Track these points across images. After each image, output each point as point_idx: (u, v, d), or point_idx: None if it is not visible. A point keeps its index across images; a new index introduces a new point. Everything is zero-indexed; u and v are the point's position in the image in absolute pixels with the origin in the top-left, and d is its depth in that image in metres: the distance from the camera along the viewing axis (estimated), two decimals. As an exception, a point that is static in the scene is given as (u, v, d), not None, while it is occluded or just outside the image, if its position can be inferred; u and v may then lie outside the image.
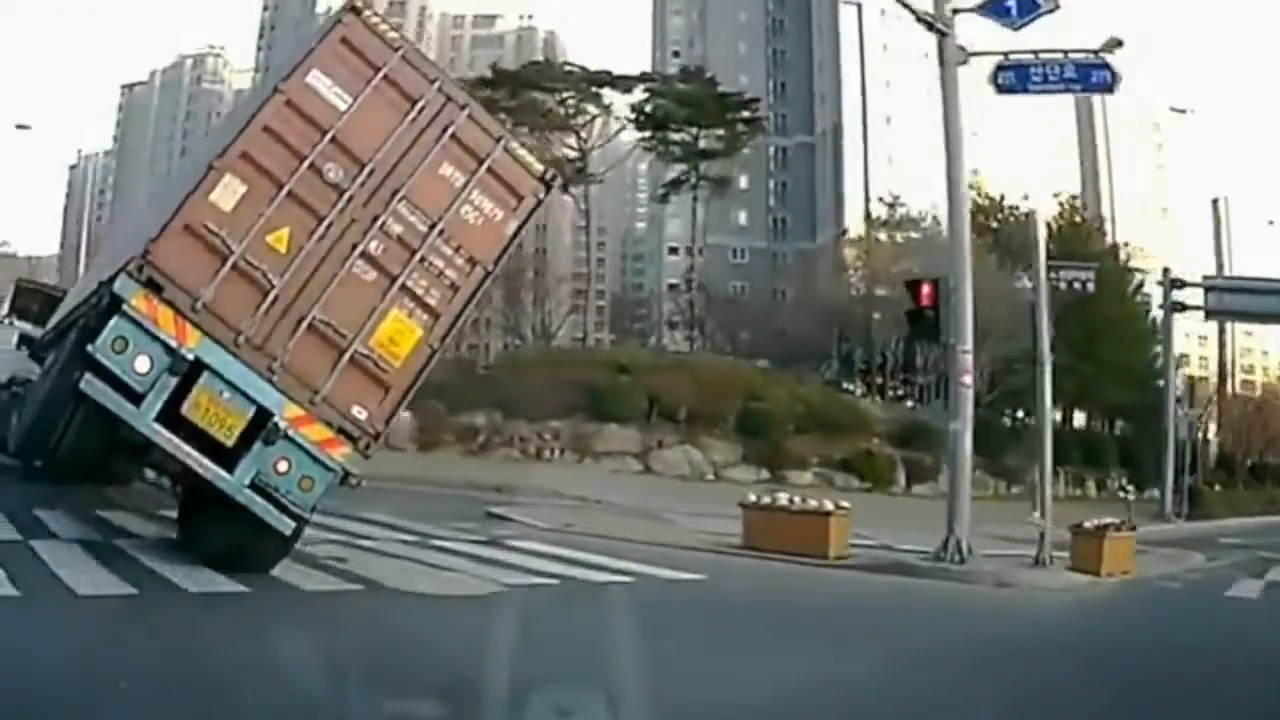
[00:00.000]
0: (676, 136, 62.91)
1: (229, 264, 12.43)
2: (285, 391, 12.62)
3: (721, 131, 62.59)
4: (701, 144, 62.97)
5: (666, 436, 44.20)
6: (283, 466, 12.61)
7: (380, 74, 13.24)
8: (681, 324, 77.27)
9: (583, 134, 62.17)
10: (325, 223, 12.84)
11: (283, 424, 12.53)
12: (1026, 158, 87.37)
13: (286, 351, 12.66)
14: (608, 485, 35.38)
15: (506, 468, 39.12)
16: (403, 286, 13.11)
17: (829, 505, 22.58)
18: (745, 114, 64.39)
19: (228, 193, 12.54)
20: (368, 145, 13.09)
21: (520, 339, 62.68)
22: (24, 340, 24.60)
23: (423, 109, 13.39)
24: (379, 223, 13.04)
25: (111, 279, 12.61)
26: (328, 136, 12.89)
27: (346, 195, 12.93)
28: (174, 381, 12.25)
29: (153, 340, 12.14)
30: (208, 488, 12.72)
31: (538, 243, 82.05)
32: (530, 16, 78.05)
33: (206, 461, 12.38)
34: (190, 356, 12.27)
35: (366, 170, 13.03)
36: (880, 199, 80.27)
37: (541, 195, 14.05)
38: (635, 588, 16.36)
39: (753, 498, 23.64)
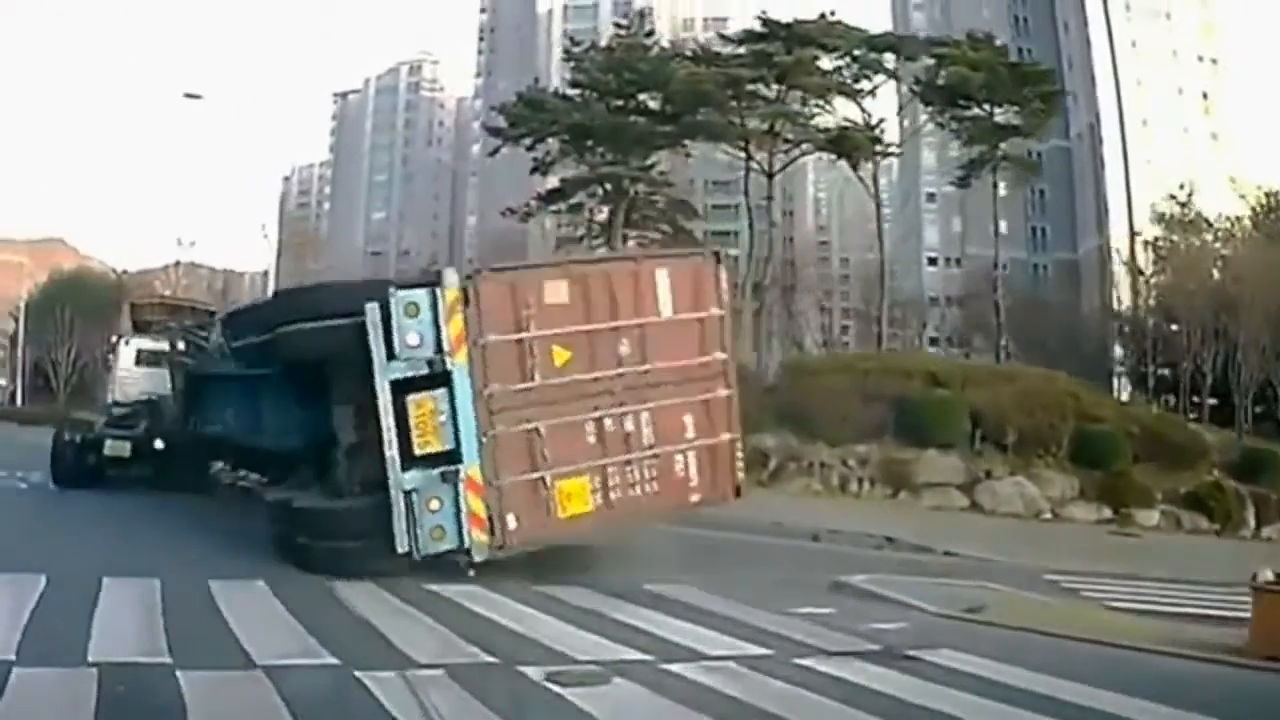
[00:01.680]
0: (969, 112, 52.66)
1: (518, 337, 13.75)
2: (480, 456, 13.35)
3: (1017, 107, 52.10)
4: (998, 119, 52.53)
5: (995, 466, 34.36)
6: (434, 505, 13.18)
7: (701, 314, 15.15)
8: (949, 338, 68.16)
9: (862, 103, 52.94)
10: (593, 375, 14.23)
11: (461, 476, 13.22)
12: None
13: (504, 432, 13.58)
14: (940, 528, 27.13)
15: (809, 503, 30.63)
16: (603, 467, 14.23)
17: (1397, 589, 13.14)
18: (1043, 87, 53.62)
19: (556, 293, 14.11)
20: (659, 354, 14.65)
21: (799, 346, 54.43)
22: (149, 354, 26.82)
23: (707, 365, 15.20)
24: (623, 411, 14.39)
25: (439, 271, 14.14)
26: (638, 322, 14.55)
27: (619, 372, 14.39)
28: (422, 372, 13.25)
29: (435, 331, 13.25)
30: (345, 478, 14.53)
31: (786, 255, 74.21)
32: (764, 12, 70.09)
33: (396, 446, 13.03)
34: (448, 367, 13.27)
35: (644, 369, 14.53)
36: (1171, 197, 69.38)
37: (716, 501, 15.59)
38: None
39: (1269, 574, 13.78)
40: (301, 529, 14.19)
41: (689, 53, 56.17)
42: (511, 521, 13.47)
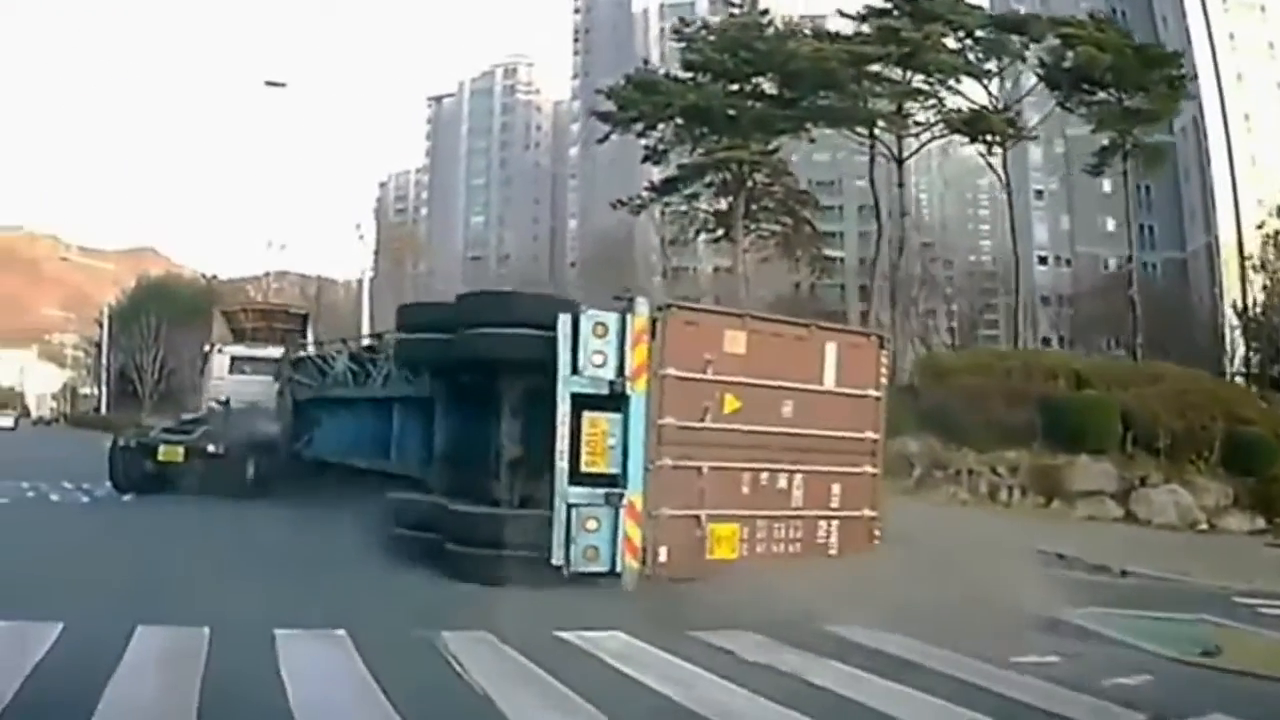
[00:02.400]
0: (1096, 96, 49.08)
1: (696, 376, 14.01)
2: (644, 486, 13.33)
3: (1143, 92, 48.47)
4: (1126, 103, 48.87)
5: (1150, 472, 30.79)
6: (592, 525, 13.04)
7: (860, 391, 15.71)
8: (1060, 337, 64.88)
9: (989, 85, 49.95)
10: (756, 429, 14.44)
11: (624, 501, 13.14)
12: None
13: (669, 465, 13.68)
14: (1103, 542, 24.01)
15: (960, 513, 27.79)
16: (753, 519, 14.44)
17: None
18: (1170, 71, 49.86)
19: (735, 342, 14.42)
20: (817, 421, 15.08)
21: (927, 346, 51.62)
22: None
23: (860, 441, 15.80)
24: (777, 469, 14.74)
25: (632, 298, 14.27)
26: (803, 387, 15.03)
27: (780, 430, 14.69)
28: (602, 392, 13.30)
29: (619, 355, 13.36)
30: (506, 492, 14.46)
31: (893, 256, 71.59)
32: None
33: (567, 459, 13.03)
34: (627, 391, 13.33)
35: (802, 432, 14.91)
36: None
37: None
38: None
39: None
40: (452, 533, 13.72)
41: (807, 31, 53.10)
42: (663, 554, 13.49)
